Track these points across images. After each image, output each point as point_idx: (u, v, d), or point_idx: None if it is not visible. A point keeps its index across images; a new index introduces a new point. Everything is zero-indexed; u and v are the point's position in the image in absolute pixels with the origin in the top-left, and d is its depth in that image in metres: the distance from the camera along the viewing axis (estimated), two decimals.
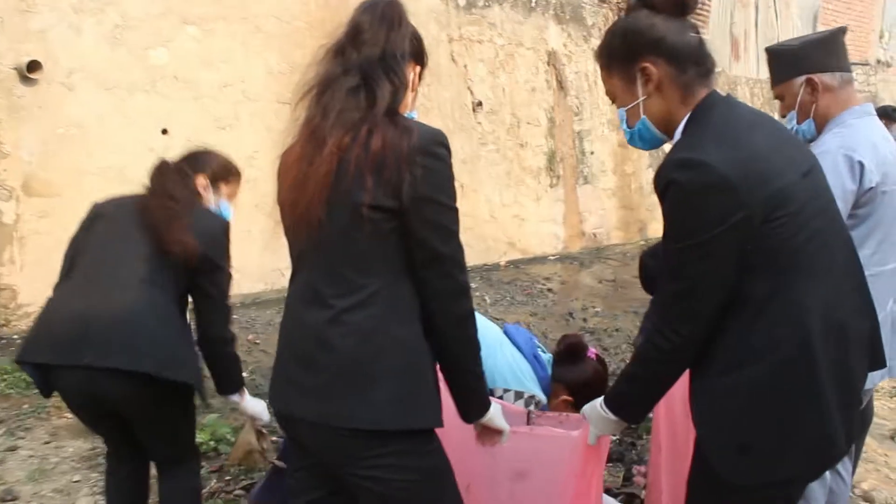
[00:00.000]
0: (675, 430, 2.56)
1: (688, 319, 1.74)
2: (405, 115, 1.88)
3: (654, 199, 7.50)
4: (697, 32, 1.86)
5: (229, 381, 2.71)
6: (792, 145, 1.86)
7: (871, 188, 2.46)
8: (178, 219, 2.46)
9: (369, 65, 1.79)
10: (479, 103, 8.17)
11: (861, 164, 2.43)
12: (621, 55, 1.87)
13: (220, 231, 2.59)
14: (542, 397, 2.77)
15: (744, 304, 1.72)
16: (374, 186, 1.69)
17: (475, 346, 1.87)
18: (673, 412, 2.63)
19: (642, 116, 1.88)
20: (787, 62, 2.69)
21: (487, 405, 1.98)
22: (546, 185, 8.93)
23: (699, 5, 11.21)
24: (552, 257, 8.97)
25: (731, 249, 1.67)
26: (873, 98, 17.78)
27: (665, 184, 1.70)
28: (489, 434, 2.07)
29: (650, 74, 1.82)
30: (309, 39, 6.38)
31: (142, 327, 2.33)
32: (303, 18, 6.36)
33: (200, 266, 2.47)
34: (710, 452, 1.80)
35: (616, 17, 10.06)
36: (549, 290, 7.56)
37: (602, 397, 2.07)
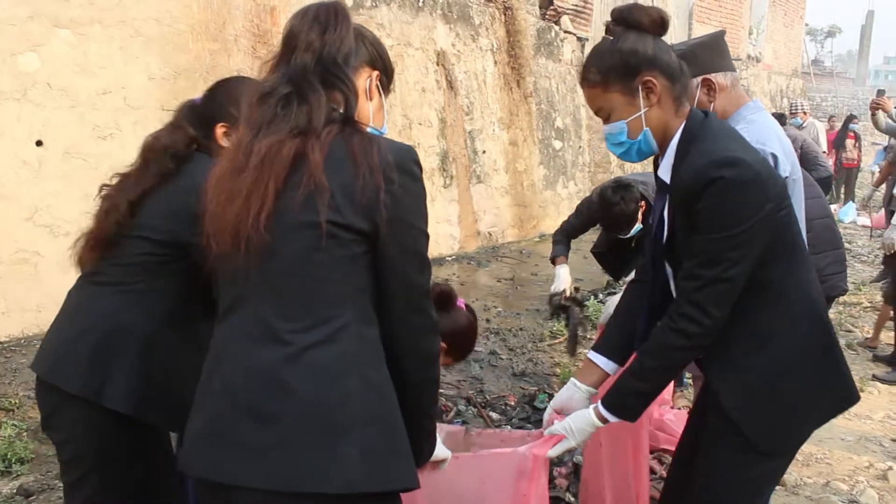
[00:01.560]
0: (614, 428, 2.50)
1: (720, 302, 1.90)
2: (370, 129, 1.72)
3: (548, 195, 7.64)
4: (675, 51, 2.06)
5: None
6: None
7: (785, 178, 2.52)
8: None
9: (302, 72, 1.60)
10: None
11: (774, 156, 2.51)
12: (621, 72, 1.99)
13: None
14: None
15: (763, 288, 1.95)
16: (339, 202, 1.51)
17: (436, 388, 1.77)
18: None
19: (645, 128, 2.02)
20: None
21: (434, 445, 1.90)
22: (440, 186, 8.88)
23: (583, 4, 11.44)
24: (449, 258, 8.93)
25: (761, 238, 1.88)
26: (745, 91, 18.52)
27: (709, 180, 1.84)
28: (431, 463, 1.99)
29: (653, 87, 1.97)
30: (192, 43, 6.12)
31: None
32: (184, 21, 6.09)
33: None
34: (750, 427, 1.98)
35: (502, 16, 10.13)
36: None
37: (593, 406, 2.11)
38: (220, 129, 2.24)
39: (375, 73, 1.77)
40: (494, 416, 4.52)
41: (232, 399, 1.56)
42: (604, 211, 4.23)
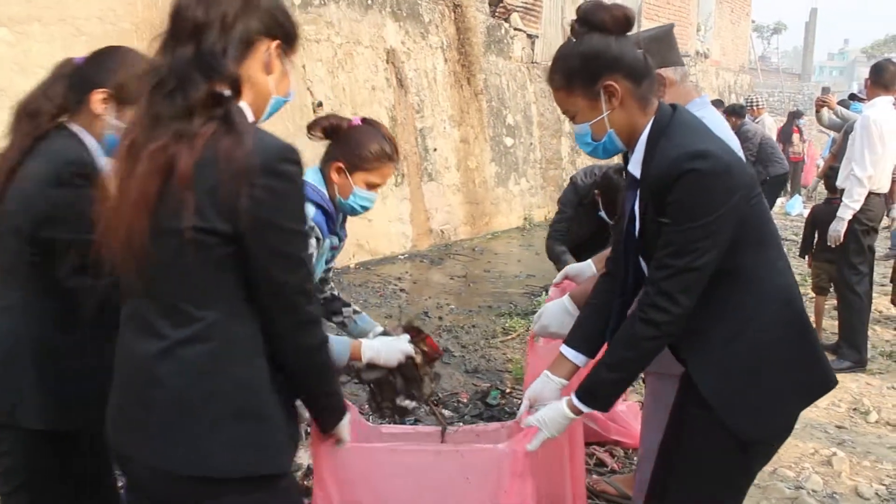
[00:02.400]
0: None
1: (688, 291, 1.94)
2: (275, 99, 1.74)
3: (500, 192, 7.66)
4: (640, 48, 2.05)
5: None
6: None
7: None
8: None
9: (185, 66, 1.56)
10: (320, 104, 7.98)
11: None
12: (583, 76, 2.01)
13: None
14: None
15: (737, 274, 2.00)
16: (205, 207, 1.52)
17: (327, 371, 1.79)
18: None
19: (609, 130, 2.05)
20: None
21: (341, 416, 1.96)
22: (391, 184, 8.84)
23: (532, 2, 11.47)
24: (402, 256, 8.92)
25: (729, 227, 1.92)
26: (694, 87, 18.75)
27: (680, 173, 1.88)
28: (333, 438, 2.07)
29: (614, 91, 2.00)
30: (137, 42, 5.98)
31: None
32: (128, 19, 5.99)
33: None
34: (731, 417, 2.01)
35: (452, 14, 10.13)
36: (402, 290, 7.50)
37: (566, 398, 2.15)
38: (98, 95, 2.09)
39: (275, 42, 1.71)
40: (447, 413, 4.51)
41: (126, 384, 1.70)
42: (614, 192, 4.42)
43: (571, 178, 5.37)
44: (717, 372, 2.03)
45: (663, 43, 2.74)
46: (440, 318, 6.62)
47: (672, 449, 2.18)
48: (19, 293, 2.06)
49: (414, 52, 9.54)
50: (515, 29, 12.04)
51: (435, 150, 9.82)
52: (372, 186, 2.61)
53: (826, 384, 2.12)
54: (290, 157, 1.59)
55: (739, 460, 2.09)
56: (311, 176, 2.62)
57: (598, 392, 2.11)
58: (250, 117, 1.68)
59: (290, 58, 1.80)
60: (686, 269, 1.92)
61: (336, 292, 2.98)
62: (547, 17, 13.20)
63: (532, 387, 2.35)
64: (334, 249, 2.75)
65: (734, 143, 2.66)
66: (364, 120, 2.68)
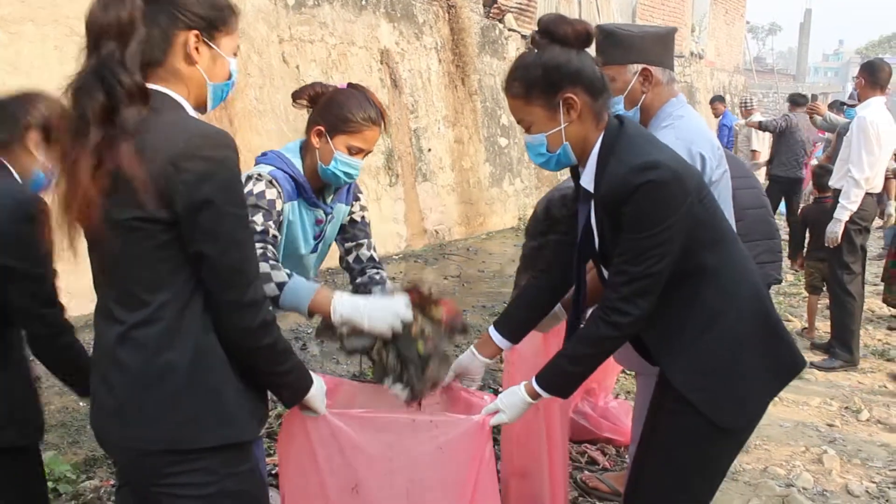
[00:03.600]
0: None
1: (646, 293, 2.01)
2: (213, 86, 1.80)
3: (494, 193, 7.62)
4: (599, 64, 2.10)
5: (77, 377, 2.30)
6: None
7: (712, 179, 2.60)
8: None
9: (92, 77, 1.60)
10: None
11: (702, 156, 2.57)
12: (543, 87, 2.04)
13: (12, 219, 2.07)
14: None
15: (700, 273, 2.07)
16: (144, 198, 1.59)
17: (272, 353, 1.82)
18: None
19: (564, 142, 2.08)
20: (625, 47, 2.71)
21: (303, 392, 2.00)
22: (385, 185, 8.86)
23: (527, 3, 11.48)
24: (396, 256, 8.93)
25: (683, 230, 1.98)
26: (689, 88, 18.79)
27: (633, 187, 1.92)
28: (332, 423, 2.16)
29: (573, 104, 2.03)
30: None
31: None
32: None
33: None
34: (709, 408, 2.08)
35: (446, 15, 10.14)
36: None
37: (524, 382, 2.23)
38: (33, 134, 2.21)
39: (192, 32, 1.72)
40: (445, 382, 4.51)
41: (96, 371, 1.81)
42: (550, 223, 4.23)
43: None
44: (691, 367, 2.10)
45: (662, 43, 2.75)
46: None
47: (648, 444, 2.25)
48: None
49: (408, 52, 9.55)
50: (510, 30, 12.06)
51: (429, 150, 9.83)
52: (355, 152, 2.52)
53: (795, 367, 2.20)
54: (220, 141, 1.65)
55: (712, 451, 2.18)
56: (290, 147, 2.61)
57: (558, 381, 2.20)
58: (188, 107, 1.75)
59: (224, 38, 1.81)
60: (643, 276, 1.99)
61: (377, 273, 2.84)
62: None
63: (459, 360, 2.49)
64: (320, 223, 2.67)
65: (714, 142, 2.68)
66: (350, 85, 2.62)
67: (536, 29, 2.09)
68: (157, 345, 1.68)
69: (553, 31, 2.04)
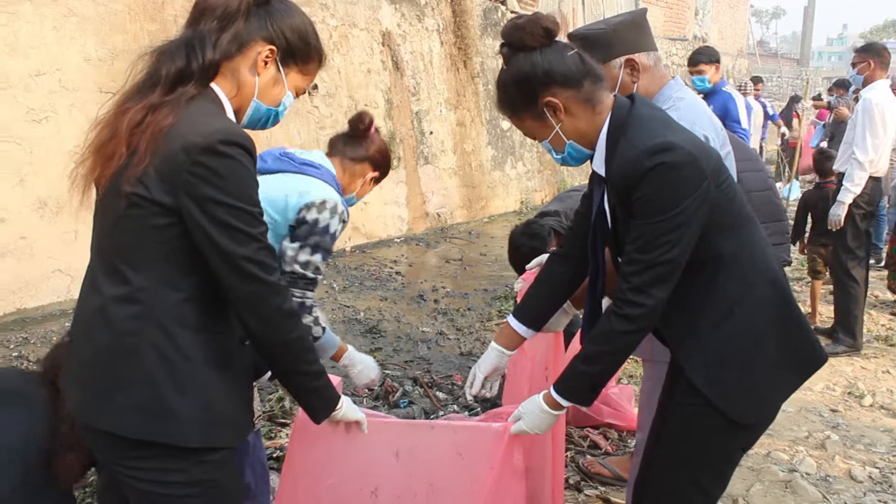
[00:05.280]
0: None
1: (660, 282, 1.91)
2: (256, 103, 1.82)
3: (496, 176, 7.59)
4: (573, 49, 2.03)
5: None
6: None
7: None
8: None
9: (182, 38, 1.71)
10: (315, 87, 7.94)
11: (705, 137, 2.51)
12: (522, 100, 2.03)
13: None
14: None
15: (718, 261, 1.99)
16: (152, 178, 1.60)
17: (300, 348, 1.79)
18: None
19: (567, 141, 2.05)
20: (602, 46, 2.66)
21: (334, 403, 1.97)
22: None
23: None
24: (398, 240, 8.90)
25: (700, 215, 1.89)
26: (668, 71, 18.71)
27: (645, 170, 1.85)
28: (349, 424, 2.11)
29: (555, 105, 1.99)
30: (129, 24, 5.96)
31: None
32: (121, 1, 5.94)
33: None
34: (725, 404, 1.99)
35: None
36: (398, 273, 7.49)
37: (544, 392, 2.14)
38: None
39: (268, 47, 1.78)
40: (441, 395, 4.51)
41: (75, 337, 1.79)
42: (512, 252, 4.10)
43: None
44: (709, 360, 2.01)
45: (636, 27, 2.70)
46: (435, 301, 6.61)
47: (658, 437, 2.17)
48: None
49: (410, 34, 9.49)
50: (512, 11, 11.97)
51: (431, 133, 9.78)
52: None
53: (816, 361, 2.11)
54: (233, 139, 1.63)
55: (724, 445, 2.09)
56: (327, 164, 2.66)
57: (577, 386, 2.09)
58: (228, 107, 1.76)
59: (294, 71, 1.87)
60: (656, 263, 1.90)
61: None
62: (544, 1, 13.13)
63: (484, 360, 2.46)
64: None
65: (717, 123, 2.65)
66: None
67: (500, 49, 2.08)
68: (126, 326, 1.65)
69: (511, 41, 2.03)
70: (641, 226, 1.90)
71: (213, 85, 1.74)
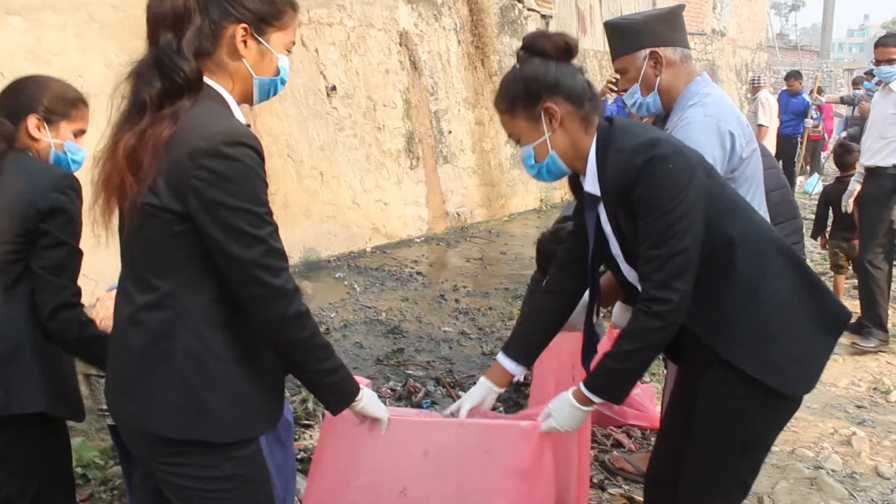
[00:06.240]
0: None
1: (681, 273, 1.94)
2: (259, 80, 1.81)
3: (515, 174, 7.54)
4: (583, 74, 2.13)
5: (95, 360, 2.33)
6: None
7: (742, 156, 2.59)
8: None
9: (145, 66, 1.68)
10: (333, 88, 7.97)
11: (731, 134, 2.55)
12: (524, 99, 2.08)
13: (52, 190, 2.14)
14: None
15: (728, 245, 2.03)
16: (162, 187, 1.63)
17: (308, 347, 1.80)
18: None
19: (551, 151, 2.11)
20: (630, 36, 2.72)
21: (349, 397, 1.97)
22: (406, 168, 8.84)
23: None
24: (418, 239, 8.92)
25: (699, 202, 1.95)
26: (711, 66, 18.60)
27: (640, 166, 1.93)
28: (369, 421, 2.11)
29: (553, 113, 2.06)
30: None
31: None
32: (141, 6, 5.82)
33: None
34: (778, 380, 2.03)
35: None
36: (419, 272, 7.50)
37: (573, 388, 2.16)
38: (32, 121, 2.25)
39: (241, 25, 1.73)
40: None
41: (111, 346, 1.85)
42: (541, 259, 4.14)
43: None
44: (749, 341, 2.04)
45: (667, 22, 2.72)
46: (456, 301, 6.62)
47: (690, 435, 2.18)
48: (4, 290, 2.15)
49: (427, 34, 9.50)
50: (529, 9, 11.96)
51: (450, 132, 9.79)
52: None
53: (844, 318, 2.15)
54: (238, 139, 1.63)
55: (764, 429, 2.15)
56: None
57: (608, 384, 2.12)
58: (231, 102, 1.76)
59: (275, 33, 1.81)
60: (672, 255, 1.94)
61: None
62: None
63: (472, 393, 2.43)
64: None
65: (742, 120, 2.65)
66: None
67: (518, 48, 2.16)
68: (158, 331, 1.70)
69: (533, 46, 2.11)
70: (648, 223, 1.96)
71: (209, 81, 1.72)
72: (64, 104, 2.30)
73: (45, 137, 2.28)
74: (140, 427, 1.77)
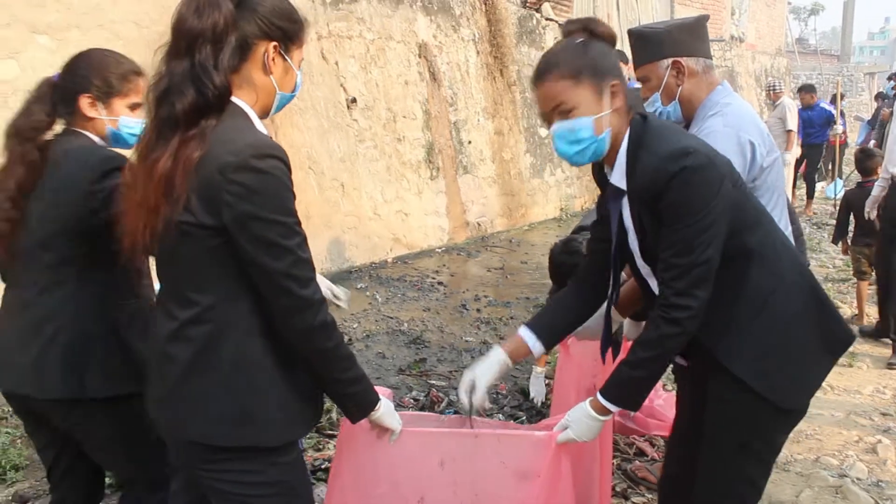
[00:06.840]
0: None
1: (702, 283, 1.98)
2: (280, 95, 1.86)
3: (535, 184, 7.57)
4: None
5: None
6: None
7: (763, 165, 2.60)
8: None
9: (180, 78, 1.69)
10: (354, 100, 8.03)
11: (752, 144, 2.56)
12: (592, 71, 2.04)
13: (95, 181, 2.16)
14: None
15: (746, 256, 2.06)
16: (195, 204, 1.66)
17: (333, 357, 1.85)
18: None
19: (607, 128, 2.06)
20: (653, 44, 2.73)
21: (370, 407, 2.01)
22: (426, 178, 8.88)
23: None
24: (439, 250, 8.94)
25: (725, 214, 1.97)
26: (730, 72, 18.53)
27: (671, 175, 1.93)
28: (380, 430, 2.14)
29: (616, 92, 2.06)
30: None
31: None
32: (164, 23, 5.97)
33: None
34: (775, 395, 2.07)
35: (483, 6, 10.13)
36: (440, 283, 7.53)
37: (590, 399, 2.17)
38: (84, 100, 2.28)
39: (272, 43, 1.80)
40: (486, 405, 4.52)
41: (153, 362, 1.90)
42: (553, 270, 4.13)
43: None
44: (752, 354, 2.07)
45: (691, 32, 2.74)
46: (478, 311, 6.64)
47: (699, 440, 2.21)
48: (72, 282, 2.23)
49: (446, 45, 9.55)
50: (547, 19, 11.99)
51: (469, 142, 9.82)
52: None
53: (847, 340, 2.19)
54: (267, 152, 1.68)
55: (771, 436, 2.18)
56: None
57: (625, 392, 2.13)
58: (253, 116, 1.80)
59: (296, 51, 1.88)
60: (695, 265, 1.96)
61: None
62: (578, 7, 13.13)
63: (482, 367, 2.37)
64: None
65: (763, 129, 2.66)
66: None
67: (572, 28, 2.14)
68: (202, 344, 1.76)
69: (593, 29, 2.10)
70: (674, 231, 1.97)
71: (233, 99, 1.76)
72: (116, 80, 2.32)
73: (100, 116, 2.31)
74: (185, 436, 1.82)
